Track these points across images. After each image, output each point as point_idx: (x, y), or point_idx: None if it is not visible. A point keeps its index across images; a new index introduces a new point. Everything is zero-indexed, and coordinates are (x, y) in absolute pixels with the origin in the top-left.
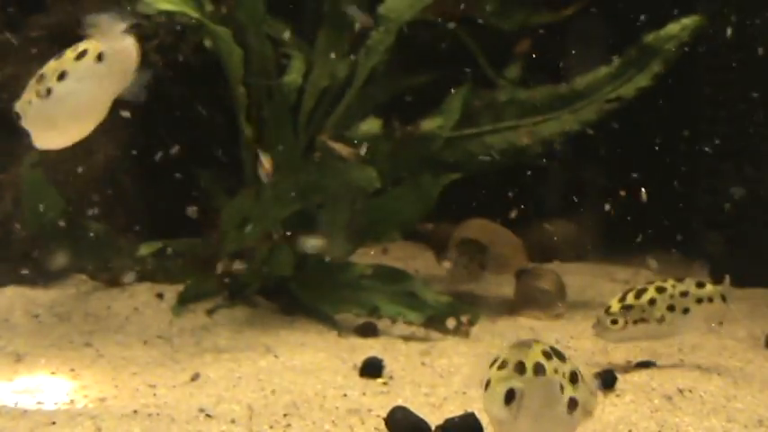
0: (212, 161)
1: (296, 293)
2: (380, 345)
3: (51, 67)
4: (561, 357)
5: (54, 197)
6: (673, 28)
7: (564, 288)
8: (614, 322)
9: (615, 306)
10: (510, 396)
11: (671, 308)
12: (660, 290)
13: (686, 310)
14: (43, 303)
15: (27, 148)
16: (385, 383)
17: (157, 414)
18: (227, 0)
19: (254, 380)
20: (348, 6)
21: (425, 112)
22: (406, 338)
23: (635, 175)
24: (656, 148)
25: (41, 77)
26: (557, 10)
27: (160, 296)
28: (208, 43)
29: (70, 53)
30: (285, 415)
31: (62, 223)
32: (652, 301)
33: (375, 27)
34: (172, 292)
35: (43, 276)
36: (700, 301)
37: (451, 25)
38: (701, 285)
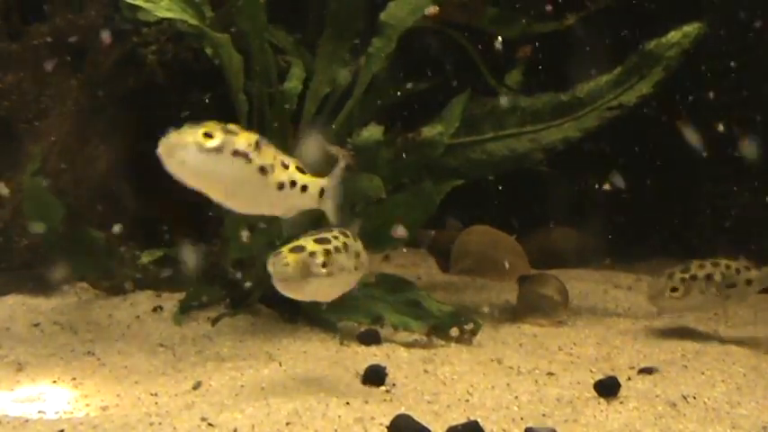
0: None
1: (298, 302)
2: (383, 352)
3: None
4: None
5: (55, 205)
6: (674, 35)
7: (567, 294)
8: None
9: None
10: None
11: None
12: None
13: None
14: (44, 312)
15: (27, 156)
16: (388, 391)
17: (159, 423)
18: (228, 7)
19: (256, 388)
20: None
21: (427, 118)
22: (409, 346)
23: (638, 182)
24: (660, 154)
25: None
26: (558, 19)
27: (160, 308)
28: (208, 50)
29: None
30: (288, 423)
31: (63, 231)
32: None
33: (376, 34)
34: (173, 300)
35: (44, 285)
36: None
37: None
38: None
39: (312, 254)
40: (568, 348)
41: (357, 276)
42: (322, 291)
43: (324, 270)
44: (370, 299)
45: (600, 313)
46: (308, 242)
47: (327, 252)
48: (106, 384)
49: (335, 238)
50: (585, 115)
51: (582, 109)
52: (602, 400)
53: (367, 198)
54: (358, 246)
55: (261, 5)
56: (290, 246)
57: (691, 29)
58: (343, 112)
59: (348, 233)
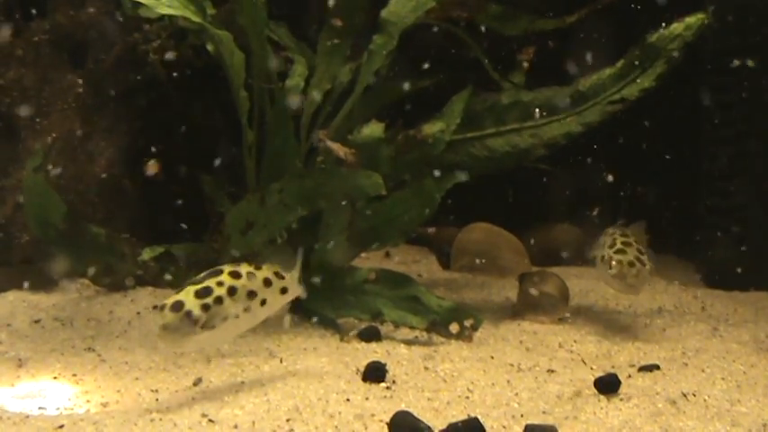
0: (214, 165)
1: (299, 298)
2: (383, 349)
3: None
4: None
5: (56, 202)
6: (676, 27)
7: (567, 292)
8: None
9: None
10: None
11: None
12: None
13: None
14: (45, 308)
15: (28, 152)
16: (388, 388)
17: (160, 419)
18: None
19: (256, 385)
20: None
21: (428, 115)
22: (409, 343)
23: (638, 180)
24: (660, 151)
25: None
26: (560, 17)
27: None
28: (210, 47)
29: None
30: (288, 420)
31: (64, 228)
32: None
33: (377, 31)
34: None
35: (45, 281)
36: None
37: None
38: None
39: (188, 313)
40: (569, 346)
41: (258, 314)
42: (206, 341)
43: (200, 328)
44: (370, 294)
45: (600, 311)
46: (189, 295)
47: (206, 307)
48: (107, 380)
49: (219, 285)
50: (588, 109)
51: (584, 103)
52: (602, 397)
53: (367, 195)
54: (255, 283)
55: (261, 2)
56: (172, 300)
57: (693, 20)
58: (344, 109)
59: (245, 270)
